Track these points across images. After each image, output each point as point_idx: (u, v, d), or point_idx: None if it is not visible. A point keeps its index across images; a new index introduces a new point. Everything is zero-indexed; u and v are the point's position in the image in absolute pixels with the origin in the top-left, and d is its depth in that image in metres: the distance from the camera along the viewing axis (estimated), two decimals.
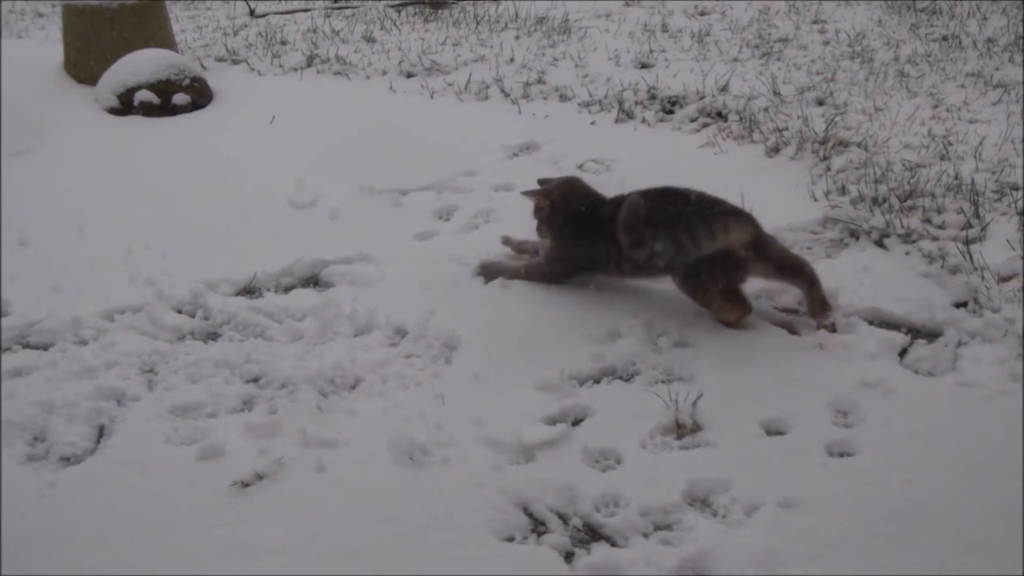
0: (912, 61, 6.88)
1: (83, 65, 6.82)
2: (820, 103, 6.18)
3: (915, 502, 2.96)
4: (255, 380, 3.68)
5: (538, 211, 4.24)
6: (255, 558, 2.85)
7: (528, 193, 4.28)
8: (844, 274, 4.18)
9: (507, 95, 6.57)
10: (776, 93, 6.31)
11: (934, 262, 4.22)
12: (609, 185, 5.17)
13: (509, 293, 4.16)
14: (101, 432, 3.41)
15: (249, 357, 3.78)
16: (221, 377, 3.68)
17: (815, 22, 8.11)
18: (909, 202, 4.67)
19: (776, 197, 4.88)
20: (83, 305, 4.08)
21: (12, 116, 6.03)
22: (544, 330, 3.92)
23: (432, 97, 6.62)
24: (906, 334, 3.83)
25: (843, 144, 5.41)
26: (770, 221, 4.56)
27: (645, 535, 2.93)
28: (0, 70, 6.20)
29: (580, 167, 5.40)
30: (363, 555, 2.86)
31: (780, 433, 3.32)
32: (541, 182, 4.34)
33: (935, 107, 5.99)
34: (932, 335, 3.82)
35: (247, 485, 3.11)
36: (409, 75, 7.07)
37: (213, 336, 3.98)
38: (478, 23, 8.26)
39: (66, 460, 3.27)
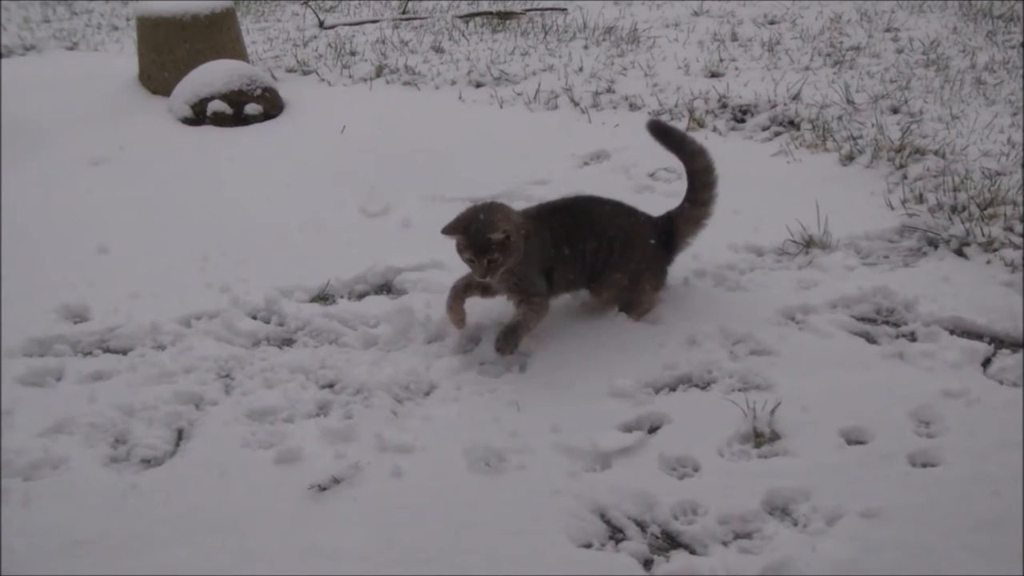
0: (989, 68, 6.78)
1: (157, 76, 6.93)
2: (895, 111, 6.11)
3: (1002, 514, 2.90)
4: (330, 386, 3.70)
5: (498, 245, 3.66)
6: (332, 561, 2.85)
7: (492, 232, 3.66)
8: (923, 283, 4.13)
9: (576, 104, 6.56)
10: (849, 101, 6.24)
11: (1017, 271, 4.15)
12: (681, 194, 5.16)
13: (578, 300, 4.14)
14: (180, 435, 3.45)
15: (324, 363, 3.81)
16: (297, 382, 3.70)
17: (888, 30, 8.01)
18: (990, 210, 4.59)
19: (851, 205, 4.83)
20: (161, 311, 4.13)
21: (90, 127, 6.16)
22: (616, 338, 3.90)
23: (501, 107, 6.62)
24: (989, 344, 3.76)
25: (920, 152, 5.33)
26: (846, 229, 4.54)
27: (725, 543, 2.90)
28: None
29: (652, 176, 5.38)
30: (439, 560, 2.85)
31: (861, 442, 3.26)
32: (447, 229, 3.74)
33: (1014, 115, 5.89)
34: (1016, 345, 3.75)
35: (324, 489, 3.12)
36: (478, 85, 7.08)
37: (288, 342, 4.01)
38: (546, 33, 8.26)
39: (147, 462, 3.31)
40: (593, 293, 4.05)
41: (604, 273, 3.97)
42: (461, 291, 3.90)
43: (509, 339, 3.77)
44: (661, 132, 4.16)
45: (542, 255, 3.87)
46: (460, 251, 3.74)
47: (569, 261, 3.92)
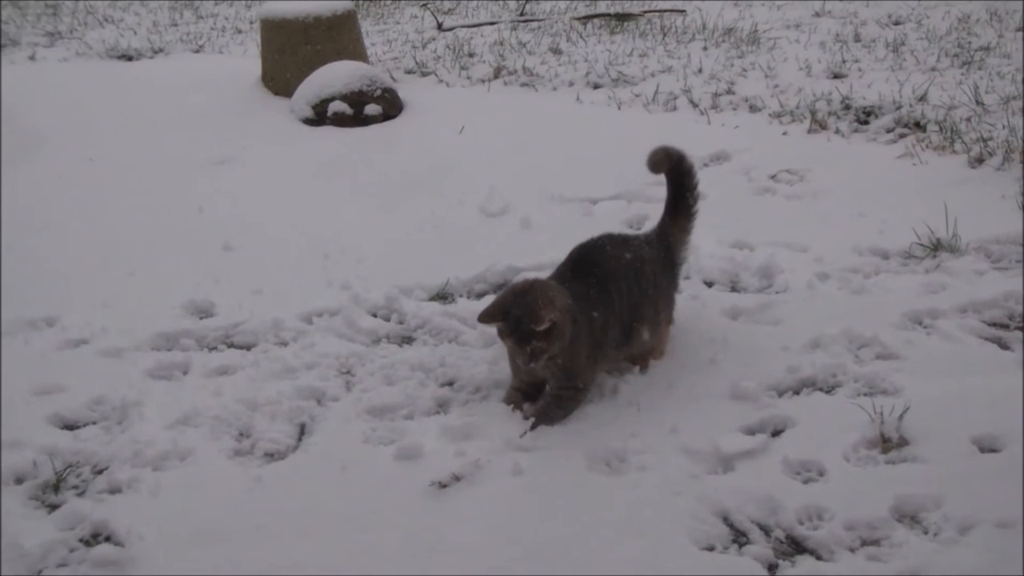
0: None
1: (280, 77, 7.05)
2: None
3: None
4: (450, 384, 3.70)
5: (546, 335, 3.31)
6: (454, 557, 2.86)
7: (536, 323, 3.29)
8: None
9: (695, 106, 6.50)
10: (979, 102, 6.07)
11: None
12: (803, 196, 5.09)
13: (698, 302, 4.10)
14: (302, 430, 3.49)
15: (443, 361, 3.81)
16: (416, 380, 3.72)
17: (1019, 30, 7.78)
18: None
19: (981, 209, 4.70)
20: (283, 308, 4.20)
21: (216, 127, 6.31)
22: (736, 340, 3.84)
23: (619, 108, 6.60)
24: None
25: None
26: (975, 233, 4.42)
27: (852, 550, 2.83)
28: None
29: (773, 177, 5.30)
30: (560, 559, 2.84)
31: (994, 450, 3.16)
32: (485, 316, 3.41)
33: None
34: None
35: (444, 486, 3.12)
36: (596, 86, 7.07)
37: (408, 340, 4.03)
38: (665, 34, 8.20)
39: (270, 456, 3.35)
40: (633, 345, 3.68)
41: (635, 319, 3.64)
42: (517, 392, 3.58)
43: (552, 415, 3.44)
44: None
45: (591, 328, 3.50)
46: (501, 337, 3.44)
47: (616, 314, 3.59)
